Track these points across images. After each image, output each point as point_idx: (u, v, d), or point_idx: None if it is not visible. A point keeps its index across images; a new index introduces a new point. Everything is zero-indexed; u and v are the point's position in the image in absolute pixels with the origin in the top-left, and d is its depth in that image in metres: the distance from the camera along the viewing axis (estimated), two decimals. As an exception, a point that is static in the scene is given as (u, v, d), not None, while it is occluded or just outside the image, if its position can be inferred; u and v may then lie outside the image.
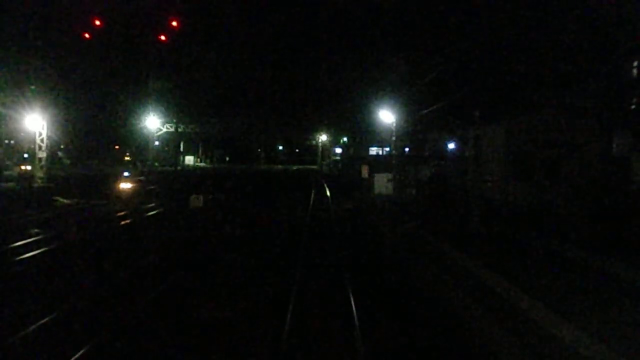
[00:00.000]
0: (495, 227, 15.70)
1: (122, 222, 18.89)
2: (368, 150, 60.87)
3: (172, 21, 22.61)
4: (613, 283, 9.17)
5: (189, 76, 58.62)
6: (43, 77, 29.34)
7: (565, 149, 18.33)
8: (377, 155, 55.46)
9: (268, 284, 10.41)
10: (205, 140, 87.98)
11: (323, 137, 77.80)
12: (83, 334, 7.32)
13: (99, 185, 29.86)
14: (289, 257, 12.68)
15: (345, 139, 74.94)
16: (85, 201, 24.06)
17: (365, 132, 55.93)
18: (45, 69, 29.82)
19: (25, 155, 37.08)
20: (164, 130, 64.12)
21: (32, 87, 27.97)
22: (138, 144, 65.68)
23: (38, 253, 12.78)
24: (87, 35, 23.76)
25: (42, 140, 27.11)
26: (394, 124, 31.90)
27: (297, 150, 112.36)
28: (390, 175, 30.85)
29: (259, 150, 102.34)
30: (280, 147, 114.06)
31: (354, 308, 8.44)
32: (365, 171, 37.70)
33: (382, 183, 30.55)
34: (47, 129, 27.25)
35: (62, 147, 56.73)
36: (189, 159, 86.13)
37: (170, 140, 72.64)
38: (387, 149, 42.36)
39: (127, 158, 72.29)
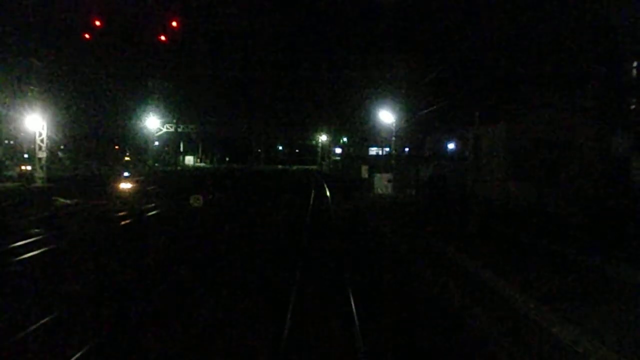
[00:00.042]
0: (495, 227, 15.72)
1: (122, 222, 18.90)
2: (368, 150, 60.91)
3: (172, 21, 22.64)
4: (613, 283, 9.19)
5: (189, 76, 58.64)
6: (43, 77, 29.35)
7: (565, 149, 18.35)
8: (377, 155, 55.49)
9: (268, 283, 10.42)
10: (205, 140, 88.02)
11: (323, 137, 77.87)
12: (83, 334, 7.33)
13: (99, 186, 29.88)
14: (289, 257, 12.69)
15: (345, 139, 75.00)
16: (85, 201, 24.08)
17: (365, 132, 55.97)
18: (46, 70, 29.82)
19: (26, 156, 37.10)
20: (164, 130, 64.16)
21: (32, 87, 27.99)
22: (138, 144, 65.69)
23: (38, 253, 12.79)
24: (87, 36, 23.79)
25: (42, 141, 27.14)
26: (394, 124, 31.93)
27: (297, 151, 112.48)
28: (390, 175, 30.88)
29: (259, 150, 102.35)
30: (280, 147, 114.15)
31: (353, 308, 8.45)
32: (365, 171, 37.75)
33: (382, 183, 30.59)
34: (47, 129, 27.29)
35: (61, 147, 56.70)
36: (189, 159, 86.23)
37: (170, 141, 72.70)
38: (387, 149, 42.38)
39: (127, 158, 72.30)
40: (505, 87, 25.60)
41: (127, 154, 73.81)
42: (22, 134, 34.70)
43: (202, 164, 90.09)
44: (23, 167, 34.95)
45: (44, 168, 27.26)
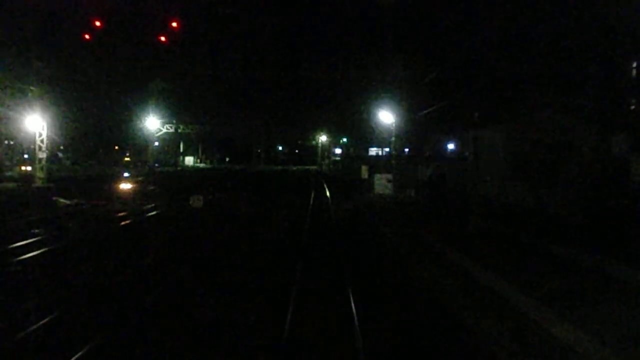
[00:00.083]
0: (495, 227, 15.73)
1: (122, 223, 18.91)
2: (368, 151, 60.95)
3: (172, 22, 22.67)
4: (613, 283, 9.21)
5: (188, 77, 58.60)
6: (43, 77, 29.36)
7: (564, 149, 18.37)
8: (377, 155, 55.54)
9: (268, 283, 10.44)
10: (205, 140, 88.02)
11: (323, 138, 77.87)
12: (83, 334, 7.34)
13: (99, 186, 29.88)
14: (289, 257, 12.71)
15: (345, 139, 75.04)
16: (85, 201, 24.09)
17: (365, 133, 56.00)
18: (46, 70, 29.84)
19: (26, 156, 37.14)
20: (164, 130, 64.15)
21: (32, 87, 28.00)
22: (138, 145, 65.70)
23: (38, 254, 12.80)
24: (87, 36, 23.81)
25: (42, 141, 27.15)
26: (394, 125, 31.95)
27: (296, 151, 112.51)
28: (390, 176, 30.89)
29: (259, 150, 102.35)
30: (280, 148, 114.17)
31: (353, 308, 8.47)
32: (365, 171, 37.77)
33: (382, 183, 30.59)
34: (47, 129, 27.29)
35: (61, 147, 56.74)
36: (189, 160, 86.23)
37: (170, 141, 72.73)
38: (387, 149, 42.42)
39: (126, 159, 72.33)
40: (505, 88, 25.63)
41: (127, 154, 73.84)
42: (22, 134, 34.69)
43: (202, 165, 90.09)
44: (23, 168, 35.00)
45: (44, 168, 27.25)
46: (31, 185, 26.70)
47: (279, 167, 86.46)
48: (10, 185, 29.77)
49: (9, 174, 34.13)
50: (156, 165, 62.56)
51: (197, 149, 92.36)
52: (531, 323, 7.53)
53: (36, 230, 16.10)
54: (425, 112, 28.52)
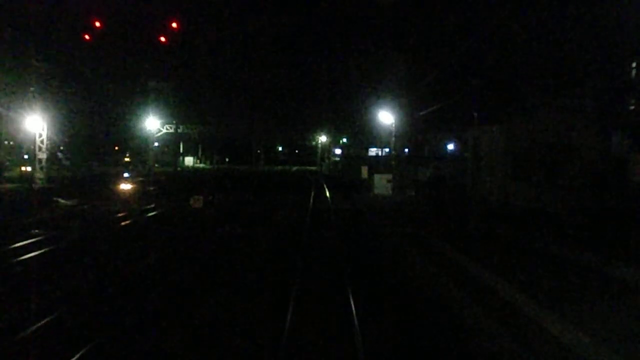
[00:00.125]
0: (495, 227, 15.74)
1: (123, 223, 18.93)
2: (368, 151, 60.94)
3: (172, 23, 22.69)
4: (613, 283, 9.22)
5: (188, 77, 58.68)
6: (43, 78, 29.38)
7: (564, 149, 18.39)
8: (377, 156, 55.52)
9: (268, 283, 10.45)
10: (205, 141, 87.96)
11: (323, 138, 77.80)
12: (84, 335, 7.35)
13: (99, 186, 29.89)
14: (289, 257, 12.73)
15: (344, 139, 75.00)
16: (85, 202, 24.10)
17: (364, 133, 56.01)
18: (46, 70, 29.86)
19: (26, 156, 37.13)
20: (164, 131, 64.14)
21: (32, 88, 28.02)
22: (138, 145, 65.67)
23: (38, 254, 12.81)
24: (87, 37, 23.82)
25: (42, 142, 27.16)
26: (394, 125, 31.96)
27: (296, 151, 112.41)
28: (389, 176, 30.91)
29: (259, 151, 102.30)
30: (280, 148, 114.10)
31: (353, 308, 8.48)
32: (364, 172, 37.79)
33: (382, 184, 30.62)
34: (47, 130, 27.30)
35: (61, 148, 56.73)
36: (189, 160, 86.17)
37: (170, 142, 72.66)
38: (387, 149, 42.44)
39: (126, 159, 72.28)
40: (505, 88, 25.64)
41: (127, 154, 73.78)
42: (22, 134, 34.71)
43: (202, 165, 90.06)
44: (23, 168, 35.00)
45: (44, 169, 27.27)
46: (31, 185, 26.71)
47: (279, 168, 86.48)
48: (10, 185, 29.79)
49: (9, 174, 34.12)
50: (156, 165, 62.57)
51: (197, 149, 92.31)
52: (531, 322, 7.54)
53: (36, 231, 16.11)
54: (425, 112, 28.54)
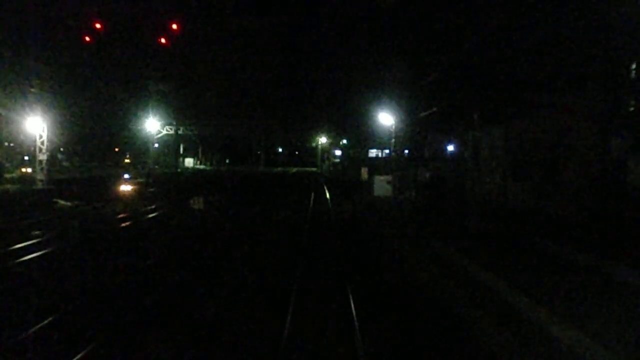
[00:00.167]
0: (495, 228, 15.75)
1: (123, 224, 18.94)
2: (368, 153, 60.94)
3: (172, 24, 22.70)
4: (613, 283, 9.23)
5: (189, 78, 58.71)
6: (44, 79, 29.41)
7: (564, 150, 18.40)
8: (377, 157, 55.54)
9: (268, 284, 10.46)
10: (205, 142, 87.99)
11: (323, 139, 77.83)
12: (84, 335, 7.37)
13: (99, 188, 29.91)
14: (289, 258, 12.74)
15: (345, 141, 75.00)
16: (86, 203, 24.11)
17: (365, 134, 56.02)
18: (46, 72, 29.89)
19: (26, 158, 37.15)
20: (164, 132, 64.17)
21: (33, 89, 28.04)
22: (138, 146, 65.72)
23: (38, 255, 12.82)
24: (87, 38, 23.83)
25: (42, 143, 27.17)
26: (394, 126, 31.96)
27: (296, 152, 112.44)
28: (389, 177, 30.91)
29: (259, 152, 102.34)
30: (280, 149, 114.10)
31: (353, 308, 8.49)
32: (364, 173, 37.80)
33: (382, 185, 30.61)
34: (48, 131, 27.31)
35: (61, 149, 56.75)
36: (189, 161, 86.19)
37: (170, 143, 72.70)
38: (387, 151, 42.44)
39: (127, 160, 72.35)
40: (505, 88, 25.64)
41: (127, 156, 73.86)
42: (22, 136, 34.74)
43: (202, 166, 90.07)
44: (23, 169, 35.00)
45: (44, 170, 27.27)
46: (31, 187, 26.72)
47: (279, 169, 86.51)
48: (11, 187, 29.79)
49: (9, 176, 34.11)
50: (156, 167, 62.59)
51: (197, 150, 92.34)
52: (531, 323, 7.55)
53: (37, 232, 16.13)
54: (425, 113, 28.55)
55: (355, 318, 8.07)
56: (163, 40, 23.46)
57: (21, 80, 29.12)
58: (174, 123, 62.67)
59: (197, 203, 22.97)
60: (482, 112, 21.96)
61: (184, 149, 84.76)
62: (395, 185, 30.24)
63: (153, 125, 59.77)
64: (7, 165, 38.69)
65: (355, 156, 64.61)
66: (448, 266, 11.60)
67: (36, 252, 13.07)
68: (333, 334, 7.71)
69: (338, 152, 77.14)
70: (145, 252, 13.79)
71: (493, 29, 21.52)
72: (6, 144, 42.54)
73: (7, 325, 7.77)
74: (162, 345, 7.25)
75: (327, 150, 78.63)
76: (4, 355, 6.91)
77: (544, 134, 19.68)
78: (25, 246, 13.75)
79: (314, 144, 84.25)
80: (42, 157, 27.27)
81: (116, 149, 73.83)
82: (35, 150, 27.54)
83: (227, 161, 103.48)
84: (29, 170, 31.91)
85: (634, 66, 19.89)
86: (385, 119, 32.77)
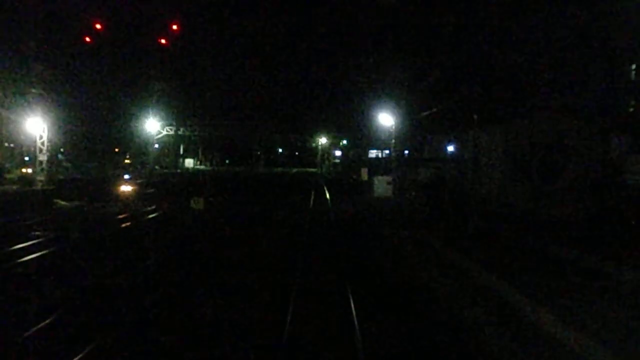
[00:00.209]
0: (494, 228, 15.76)
1: (123, 225, 18.95)
2: (368, 153, 60.94)
3: (172, 25, 22.75)
4: (612, 283, 9.23)
5: (189, 79, 58.82)
6: (44, 80, 29.44)
7: (564, 150, 18.42)
8: (377, 157, 55.53)
9: (269, 284, 10.47)
10: (205, 142, 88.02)
11: (323, 140, 77.84)
12: (84, 335, 7.38)
13: (100, 188, 29.91)
14: (289, 258, 12.75)
15: (345, 141, 75.04)
16: (86, 204, 24.12)
17: (365, 135, 56.06)
18: (47, 72, 29.92)
19: (26, 158, 37.15)
20: (164, 133, 64.23)
21: (33, 90, 28.07)
22: (138, 147, 65.76)
23: (39, 255, 12.83)
24: (88, 39, 23.87)
25: (42, 143, 27.20)
26: (394, 127, 31.99)
27: (296, 153, 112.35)
28: (389, 178, 30.91)
29: (259, 153, 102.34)
30: (280, 150, 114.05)
31: (353, 310, 8.50)
32: (364, 174, 37.80)
33: (382, 185, 30.61)
34: (48, 131, 27.34)
35: (62, 150, 56.79)
36: (189, 162, 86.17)
37: (170, 143, 72.75)
38: (387, 151, 42.46)
39: (127, 161, 72.35)
40: (505, 89, 25.67)
41: (127, 156, 73.87)
42: (22, 136, 34.76)
43: (202, 167, 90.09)
44: (24, 170, 34.98)
45: (45, 171, 27.30)
46: (32, 187, 26.73)
47: (279, 169, 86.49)
48: (11, 187, 29.79)
49: (9, 176, 34.11)
50: (156, 167, 62.63)
51: (197, 151, 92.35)
52: (531, 323, 7.56)
53: (37, 233, 16.13)
54: (425, 114, 28.59)
55: (355, 318, 8.07)
56: (163, 41, 23.50)
57: (22, 80, 29.15)
58: (174, 123, 62.72)
59: (197, 203, 22.97)
60: (482, 112, 21.99)
61: (184, 150, 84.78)
62: (395, 186, 30.24)
63: (153, 126, 59.83)
64: (8, 165, 38.70)
65: (356, 157, 64.66)
66: (448, 266, 11.61)
67: (36, 252, 13.07)
68: (333, 333, 7.72)
69: (338, 153, 77.18)
70: (146, 252, 13.79)
71: (493, 29, 21.56)
72: (6, 144, 42.54)
73: (8, 325, 7.78)
74: (162, 345, 7.26)
75: (327, 151, 78.63)
76: (5, 355, 6.92)
77: (543, 135, 19.71)
78: (25, 246, 13.76)
79: (314, 145, 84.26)
80: (43, 157, 27.31)
81: (116, 150, 73.85)
82: (35, 150, 27.58)
83: (227, 162, 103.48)
84: (29, 170, 31.91)
85: (634, 66, 19.92)
86: (385, 119, 32.80)
